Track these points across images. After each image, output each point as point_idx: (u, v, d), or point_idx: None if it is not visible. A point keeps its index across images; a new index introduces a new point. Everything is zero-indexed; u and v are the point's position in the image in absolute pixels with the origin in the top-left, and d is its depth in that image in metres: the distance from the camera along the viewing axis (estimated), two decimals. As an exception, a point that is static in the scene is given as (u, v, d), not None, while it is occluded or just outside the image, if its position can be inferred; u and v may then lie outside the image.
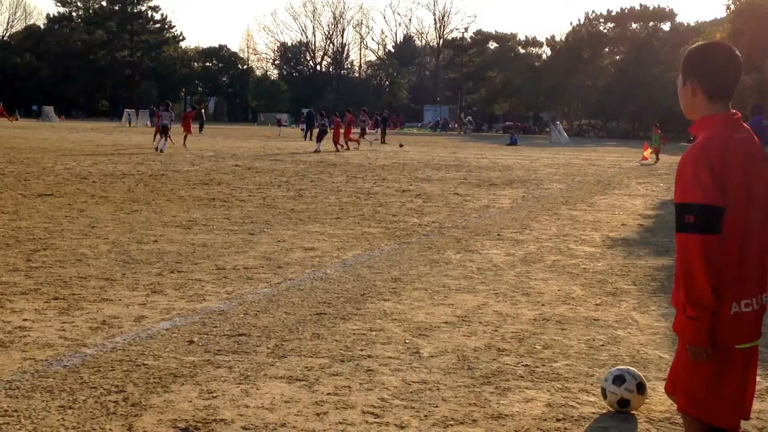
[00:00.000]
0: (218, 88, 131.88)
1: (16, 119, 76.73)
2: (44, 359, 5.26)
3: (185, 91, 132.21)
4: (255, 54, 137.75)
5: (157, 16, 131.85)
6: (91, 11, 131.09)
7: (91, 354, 5.40)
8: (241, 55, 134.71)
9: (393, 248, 10.20)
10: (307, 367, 5.26)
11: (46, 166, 22.10)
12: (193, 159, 27.46)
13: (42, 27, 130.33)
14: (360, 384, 4.99)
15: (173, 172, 21.19)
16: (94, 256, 8.98)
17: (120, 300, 6.97)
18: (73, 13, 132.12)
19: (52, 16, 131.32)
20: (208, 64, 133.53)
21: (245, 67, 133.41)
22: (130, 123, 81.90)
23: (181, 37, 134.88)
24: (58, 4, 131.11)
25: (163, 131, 32.49)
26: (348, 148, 38.21)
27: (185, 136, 37.02)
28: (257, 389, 4.83)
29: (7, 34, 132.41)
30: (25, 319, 6.22)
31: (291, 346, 5.73)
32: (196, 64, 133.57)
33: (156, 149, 31.25)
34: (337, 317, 6.59)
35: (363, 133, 36.38)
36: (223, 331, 6.07)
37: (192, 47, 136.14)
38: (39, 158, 25.34)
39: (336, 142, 38.01)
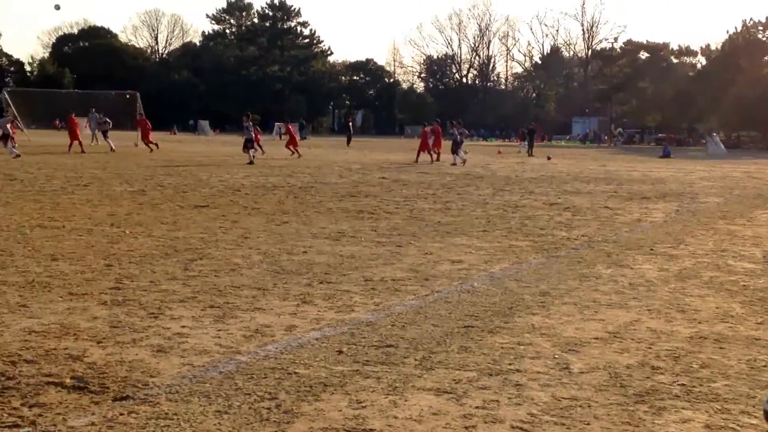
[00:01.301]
0: (365, 101, 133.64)
1: (174, 133, 79.64)
2: (201, 365, 5.44)
3: (333, 105, 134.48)
4: (401, 67, 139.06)
5: (306, 32, 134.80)
6: (243, 28, 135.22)
7: (245, 361, 5.55)
8: (388, 68, 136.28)
9: (541, 262, 10.09)
10: (454, 380, 5.26)
11: (201, 178, 22.87)
12: (341, 171, 27.89)
13: (198, 44, 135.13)
14: (508, 398, 4.95)
15: (322, 185, 21.57)
16: (247, 266, 9.22)
17: (272, 309, 7.13)
18: (227, 30, 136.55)
19: (207, 33, 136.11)
20: (355, 77, 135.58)
21: (392, 80, 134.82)
22: (280, 136, 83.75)
23: (329, 52, 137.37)
24: (213, 21, 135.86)
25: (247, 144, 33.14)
26: (437, 159, 36.99)
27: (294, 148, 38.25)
28: (405, 400, 4.86)
29: (166, 52, 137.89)
30: (183, 326, 6.44)
31: (438, 358, 5.74)
32: (343, 77, 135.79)
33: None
34: (485, 330, 6.56)
35: (455, 147, 35.00)
36: (372, 341, 6.13)
37: (340, 61, 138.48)
38: (195, 171, 26.26)
39: (424, 152, 37.18)
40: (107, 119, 43.96)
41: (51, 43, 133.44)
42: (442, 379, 5.28)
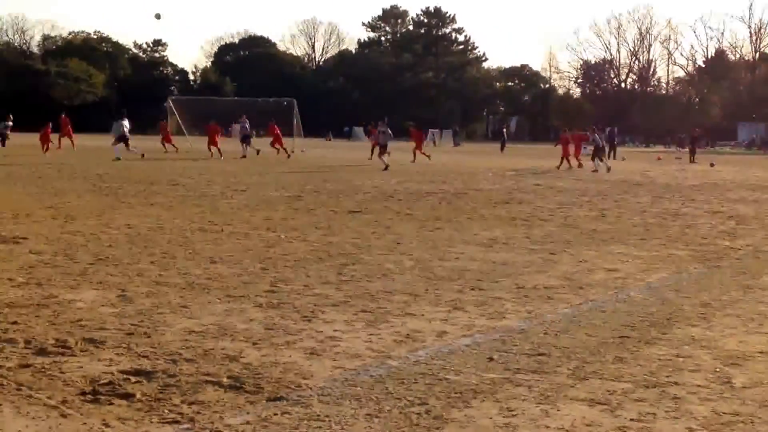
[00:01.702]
0: (520, 107, 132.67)
1: (329, 139, 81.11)
2: (353, 368, 5.49)
3: (487, 111, 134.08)
4: (557, 72, 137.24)
5: (461, 38, 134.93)
6: (398, 35, 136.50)
7: (395, 366, 5.57)
8: (543, 74, 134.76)
9: (702, 272, 9.75)
10: (609, 391, 5.13)
11: (355, 184, 23.19)
12: (494, 178, 27.75)
13: (353, 52, 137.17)
14: (666, 412, 4.79)
15: (475, 191, 21.52)
16: (399, 271, 9.28)
17: (423, 315, 7.14)
18: (382, 38, 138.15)
19: (362, 41, 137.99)
20: (510, 83, 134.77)
21: (547, 86, 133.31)
22: (434, 143, 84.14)
23: (483, 58, 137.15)
24: (369, 29, 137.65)
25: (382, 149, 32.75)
26: (580, 166, 35.90)
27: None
28: (557, 410, 4.77)
29: (322, 60, 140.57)
30: (335, 330, 6.52)
31: (592, 368, 5.61)
32: (498, 83, 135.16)
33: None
34: (641, 341, 6.37)
35: (596, 152, 33.88)
36: (523, 349, 6.05)
37: (494, 67, 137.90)
38: (349, 177, 26.65)
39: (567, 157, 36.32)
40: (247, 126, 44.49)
41: (213, 52, 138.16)
42: (595, 389, 5.16)
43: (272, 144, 42.02)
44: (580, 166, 35.96)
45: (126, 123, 35.03)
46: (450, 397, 4.95)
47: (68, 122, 45.51)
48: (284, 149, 41.48)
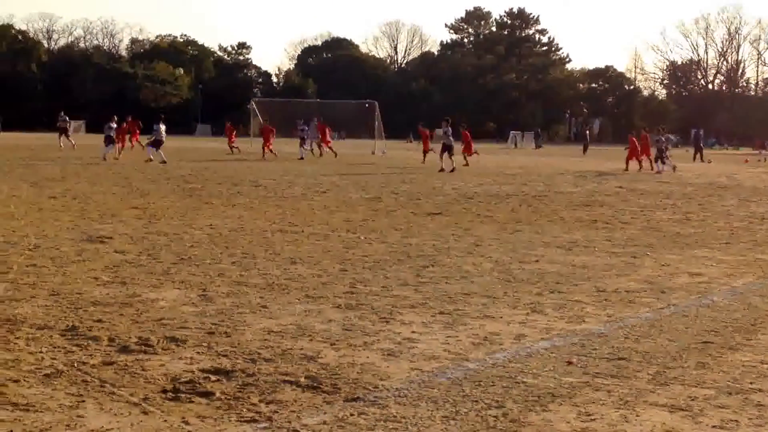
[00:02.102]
0: (603, 109, 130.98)
1: (410, 141, 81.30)
2: (430, 370, 5.48)
3: (570, 113, 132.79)
4: (642, 74, 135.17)
5: (544, 39, 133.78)
6: (481, 37, 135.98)
7: (473, 368, 5.55)
8: (628, 75, 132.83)
9: (789, 277, 9.51)
10: (690, 397, 5.03)
11: (435, 186, 23.19)
12: (575, 180, 27.47)
13: (436, 54, 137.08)
14: (749, 419, 4.67)
15: (555, 193, 21.32)
16: (477, 273, 9.24)
17: (501, 317, 7.10)
18: (464, 39, 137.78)
19: (445, 42, 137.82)
20: (593, 85, 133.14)
21: (631, 87, 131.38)
22: (516, 145, 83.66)
23: (567, 59, 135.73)
24: (451, 31, 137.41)
25: (445, 150, 31.72)
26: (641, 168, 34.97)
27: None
28: (637, 415, 4.69)
29: (405, 61, 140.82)
30: (413, 331, 6.52)
31: (673, 374, 5.51)
32: (581, 85, 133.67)
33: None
34: (725, 347, 6.24)
35: (660, 156, 33.07)
36: (603, 354, 5.97)
37: (578, 69, 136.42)
38: (429, 179, 26.64)
39: (633, 159, 35.49)
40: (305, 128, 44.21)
41: (296, 54, 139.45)
42: (676, 395, 5.06)
43: (264, 145, 40.99)
44: (641, 168, 35.05)
45: (163, 127, 35.48)
46: (527, 400, 4.91)
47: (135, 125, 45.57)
48: (331, 149, 41.60)
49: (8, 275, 8.41)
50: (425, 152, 38.31)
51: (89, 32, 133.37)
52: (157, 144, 33.88)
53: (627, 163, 35.48)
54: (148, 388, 4.98)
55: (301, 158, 38.98)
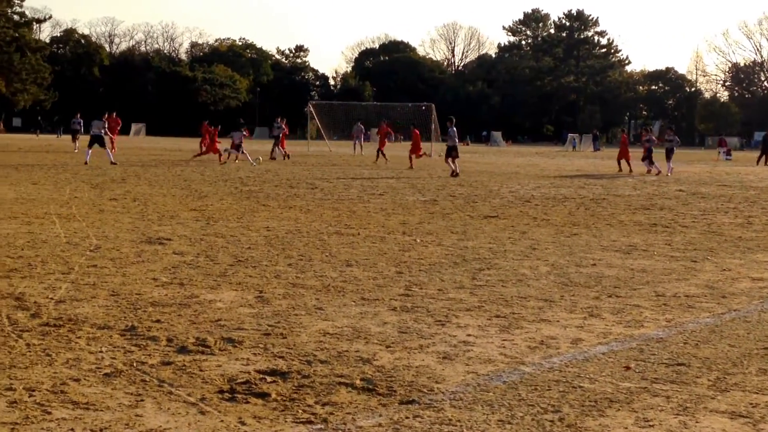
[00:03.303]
0: (663, 111, 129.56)
1: (467, 144, 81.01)
2: (485, 374, 5.46)
3: (629, 115, 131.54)
4: (704, 76, 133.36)
5: (603, 41, 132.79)
6: (539, 39, 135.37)
7: (529, 372, 5.51)
8: (689, 77, 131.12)
9: None
10: (751, 404, 4.94)
11: (492, 189, 23.09)
12: (635, 184, 27.17)
13: (493, 56, 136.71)
14: (812, 428, 4.58)
15: (614, 197, 21.11)
16: (534, 277, 9.18)
17: (558, 321, 7.04)
18: (523, 42, 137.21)
19: (502, 45, 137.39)
20: (653, 87, 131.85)
21: (693, 89, 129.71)
22: (574, 147, 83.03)
23: (626, 61, 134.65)
24: (509, 33, 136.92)
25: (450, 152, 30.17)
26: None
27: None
28: (696, 422, 4.62)
29: (462, 64, 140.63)
30: (469, 335, 6.50)
31: (734, 380, 5.42)
32: (641, 87, 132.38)
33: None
34: (788, 353, 6.12)
35: (648, 156, 32.90)
36: (661, 359, 5.89)
37: (637, 71, 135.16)
38: (486, 181, 26.56)
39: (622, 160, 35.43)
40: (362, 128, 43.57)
41: (353, 57, 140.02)
42: (737, 402, 4.98)
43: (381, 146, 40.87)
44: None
45: (242, 134, 36.24)
46: (584, 405, 4.87)
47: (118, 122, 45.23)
48: (383, 154, 40.15)
49: (70, 275, 8.56)
50: (415, 156, 36.75)
51: (150, 36, 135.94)
52: (237, 148, 34.83)
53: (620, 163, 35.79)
54: (206, 389, 5.02)
55: (273, 158, 39.69)
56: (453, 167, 29.49)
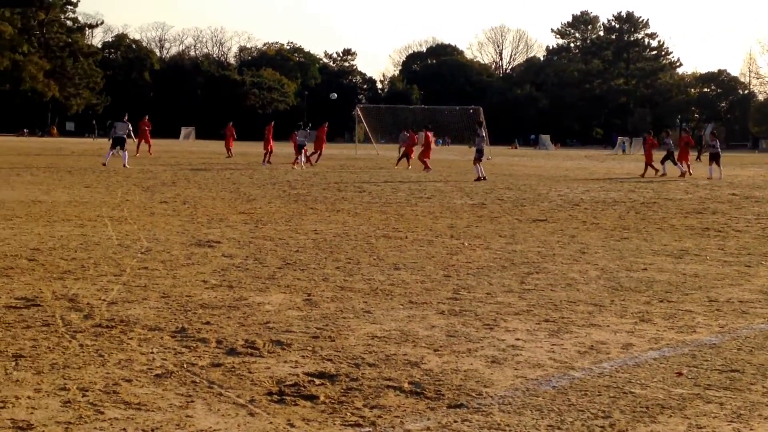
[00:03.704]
0: (715, 113, 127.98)
1: (515, 147, 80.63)
2: (534, 378, 5.42)
3: (680, 118, 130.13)
4: (757, 78, 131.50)
5: (654, 43, 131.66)
6: (588, 41, 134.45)
7: (578, 377, 5.46)
8: (742, 79, 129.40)
9: None
10: (807, 412, 4.85)
11: (540, 192, 22.96)
12: (686, 187, 26.85)
13: (541, 59, 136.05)
14: None
15: (665, 200, 20.88)
16: (583, 281, 9.10)
17: (608, 326, 6.97)
18: (571, 44, 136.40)
19: (551, 47, 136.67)
20: (705, 89, 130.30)
21: (746, 91, 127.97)
22: (624, 150, 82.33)
23: (678, 63, 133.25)
24: (558, 36, 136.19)
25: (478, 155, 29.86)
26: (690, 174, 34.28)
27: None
28: (750, 429, 4.54)
29: (510, 67, 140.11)
30: (517, 339, 6.46)
31: (790, 387, 5.32)
32: (692, 89, 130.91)
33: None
34: None
35: (668, 156, 32.74)
36: (715, 365, 5.80)
37: (689, 73, 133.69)
38: (535, 185, 26.41)
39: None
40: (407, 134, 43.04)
41: (401, 61, 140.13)
42: (792, 410, 4.89)
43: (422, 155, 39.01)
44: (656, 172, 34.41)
45: (306, 133, 36.31)
46: (635, 411, 4.81)
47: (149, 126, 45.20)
48: (424, 163, 39.27)
49: (122, 277, 8.65)
50: (419, 158, 36.12)
51: (199, 40, 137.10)
52: (300, 150, 35.13)
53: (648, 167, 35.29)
54: (255, 390, 5.05)
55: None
56: (479, 173, 28.85)
